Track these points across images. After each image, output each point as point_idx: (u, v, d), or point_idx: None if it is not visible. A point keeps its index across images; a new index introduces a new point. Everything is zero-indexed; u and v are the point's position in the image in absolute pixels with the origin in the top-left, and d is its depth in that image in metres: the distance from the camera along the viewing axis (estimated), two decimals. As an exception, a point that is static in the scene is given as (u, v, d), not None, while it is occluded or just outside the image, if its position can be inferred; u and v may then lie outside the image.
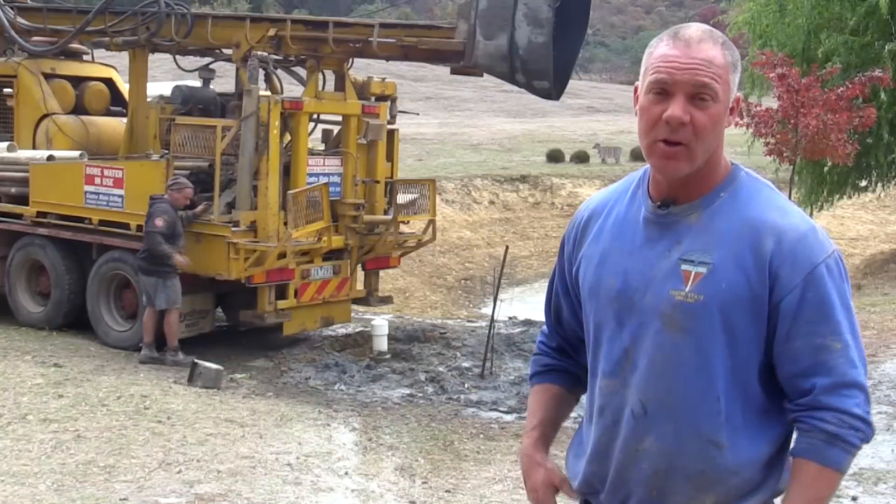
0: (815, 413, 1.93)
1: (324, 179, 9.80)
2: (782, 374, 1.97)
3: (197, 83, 10.76)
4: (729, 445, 1.95)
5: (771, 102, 14.86)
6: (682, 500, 1.99)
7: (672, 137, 1.91)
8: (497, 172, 24.36)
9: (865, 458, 6.40)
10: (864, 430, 1.95)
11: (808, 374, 1.94)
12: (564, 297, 2.26)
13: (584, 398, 2.27)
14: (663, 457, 1.99)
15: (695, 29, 1.96)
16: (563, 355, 2.33)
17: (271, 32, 9.63)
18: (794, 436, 2.03)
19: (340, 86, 10.22)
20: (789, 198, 2.06)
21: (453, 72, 10.13)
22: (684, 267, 1.95)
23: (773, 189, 2.03)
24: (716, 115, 1.92)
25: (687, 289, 1.94)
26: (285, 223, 9.23)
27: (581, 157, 27.49)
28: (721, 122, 1.94)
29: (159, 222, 8.89)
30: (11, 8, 11.23)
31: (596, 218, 2.14)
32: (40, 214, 10.36)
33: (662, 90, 1.92)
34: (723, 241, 1.94)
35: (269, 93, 9.99)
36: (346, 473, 6.15)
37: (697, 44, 1.92)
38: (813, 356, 1.93)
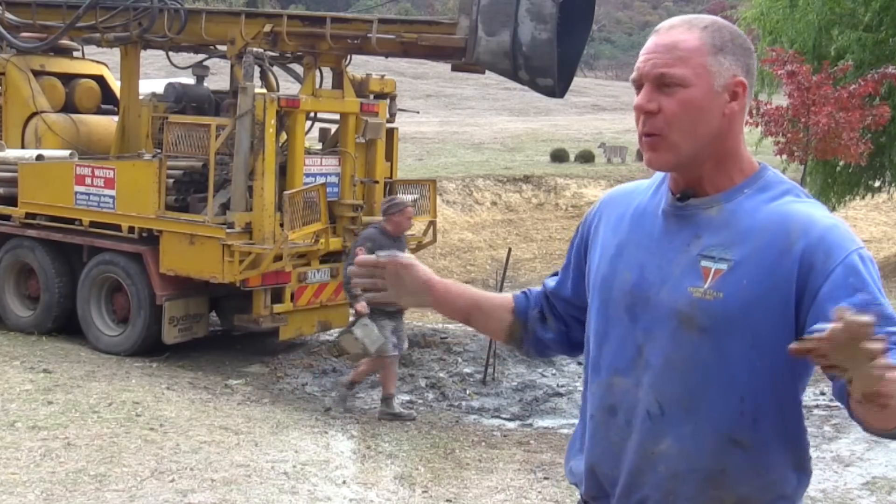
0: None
1: (321, 179, 9.72)
2: None
3: (190, 80, 10.73)
4: (755, 446, 1.89)
5: (781, 100, 14.71)
6: (701, 501, 1.92)
7: (644, 129, 1.90)
8: (499, 172, 24.36)
9: (879, 466, 6.39)
10: None
11: None
12: (575, 268, 2.22)
13: (579, 398, 2.20)
14: (682, 458, 1.92)
15: (676, 19, 1.94)
16: (537, 312, 2.27)
17: (267, 28, 9.57)
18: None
19: (338, 83, 10.15)
20: (801, 197, 1.93)
21: (454, 69, 10.09)
22: (704, 263, 1.90)
23: (799, 189, 1.97)
24: (687, 100, 1.86)
25: (706, 286, 1.88)
26: (281, 225, 9.15)
27: (586, 157, 27.43)
28: (699, 108, 1.87)
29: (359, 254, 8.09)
30: (-1, 3, 11.12)
31: (619, 207, 2.11)
32: (29, 216, 10.30)
33: (638, 85, 1.92)
34: (745, 238, 1.88)
35: (264, 90, 9.91)
36: (344, 482, 6.09)
37: (667, 31, 1.91)
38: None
